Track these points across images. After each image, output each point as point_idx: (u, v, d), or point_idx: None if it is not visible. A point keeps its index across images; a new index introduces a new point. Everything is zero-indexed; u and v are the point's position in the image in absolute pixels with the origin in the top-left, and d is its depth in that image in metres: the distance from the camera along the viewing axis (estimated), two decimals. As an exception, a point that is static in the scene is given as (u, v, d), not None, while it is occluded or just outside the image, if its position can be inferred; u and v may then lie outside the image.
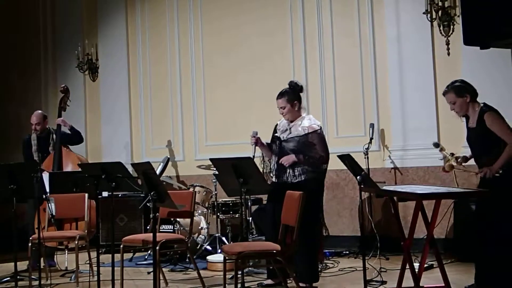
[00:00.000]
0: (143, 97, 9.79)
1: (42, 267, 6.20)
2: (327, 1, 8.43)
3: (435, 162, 7.50)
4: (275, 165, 5.91)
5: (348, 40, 8.32)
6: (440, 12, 6.96)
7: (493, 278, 4.91)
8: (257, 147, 5.94)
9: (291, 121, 5.88)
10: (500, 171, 4.85)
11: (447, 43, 6.97)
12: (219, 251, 7.18)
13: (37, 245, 6.09)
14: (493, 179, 4.88)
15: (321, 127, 5.88)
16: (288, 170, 5.77)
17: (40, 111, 7.61)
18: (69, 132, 7.71)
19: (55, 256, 7.27)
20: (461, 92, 5.02)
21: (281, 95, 5.89)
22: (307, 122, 5.85)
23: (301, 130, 5.80)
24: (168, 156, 9.00)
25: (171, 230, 7.48)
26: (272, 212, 5.81)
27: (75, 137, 7.81)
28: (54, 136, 7.55)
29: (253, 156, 5.73)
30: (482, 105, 5.02)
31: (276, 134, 5.98)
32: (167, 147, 9.48)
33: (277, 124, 6.07)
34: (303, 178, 5.72)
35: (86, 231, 6.59)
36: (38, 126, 7.46)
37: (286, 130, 5.89)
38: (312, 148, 5.76)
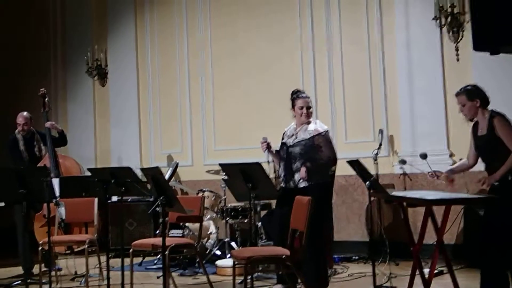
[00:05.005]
0: (152, 102, 9.81)
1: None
2: (336, 6, 8.43)
3: (444, 168, 7.47)
4: (284, 170, 5.92)
5: (357, 45, 8.32)
6: (449, 18, 6.97)
7: (498, 285, 4.87)
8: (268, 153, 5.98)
9: (300, 126, 5.92)
10: (496, 183, 4.82)
11: (456, 49, 6.97)
12: (228, 256, 7.18)
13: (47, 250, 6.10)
14: (502, 186, 4.84)
15: (327, 131, 5.92)
16: (295, 175, 5.78)
17: (26, 112, 7.39)
18: (56, 135, 7.66)
19: (66, 260, 7.30)
20: (472, 96, 5.02)
21: (307, 96, 6.01)
22: (312, 126, 5.91)
23: (306, 133, 5.84)
24: (177, 161, 9.01)
25: (180, 235, 7.47)
26: (279, 216, 5.82)
27: (63, 141, 7.75)
28: (38, 137, 7.47)
29: (268, 162, 5.79)
30: (490, 111, 5.01)
31: (283, 141, 6.00)
32: (175, 153, 9.49)
33: (285, 132, 6.10)
34: (311, 183, 5.73)
35: (95, 235, 6.61)
36: (26, 126, 7.27)
37: (293, 135, 5.93)
38: (319, 150, 5.79)
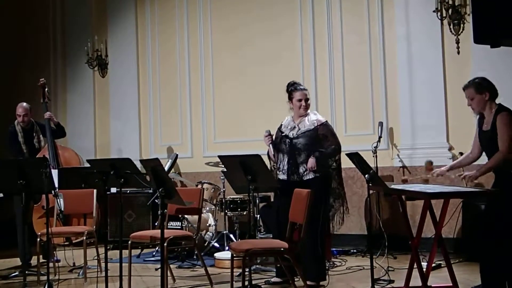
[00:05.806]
0: (152, 93, 9.80)
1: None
2: (337, -1, 8.43)
3: (443, 161, 7.45)
4: (287, 164, 5.86)
5: (357, 38, 8.30)
6: (450, 11, 6.92)
7: (499, 279, 4.85)
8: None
9: (298, 118, 5.89)
10: (475, 181, 4.82)
11: (457, 42, 6.94)
12: (227, 248, 7.17)
13: (45, 241, 6.10)
14: (503, 180, 4.82)
15: (326, 121, 5.91)
16: (300, 168, 5.76)
17: (25, 103, 7.35)
18: (54, 127, 7.63)
19: (64, 252, 7.30)
20: (481, 89, 4.95)
21: (305, 88, 5.94)
22: (313, 116, 5.88)
23: (309, 124, 5.81)
24: (177, 153, 9.01)
25: (179, 227, 7.48)
26: (277, 209, 5.81)
27: (62, 132, 7.74)
28: (37, 128, 7.45)
29: (274, 155, 5.78)
30: (498, 106, 4.95)
31: (283, 134, 5.95)
32: (175, 145, 9.49)
33: (281, 125, 6.05)
34: (315, 175, 5.72)
35: (94, 227, 6.61)
36: (26, 117, 7.25)
37: (295, 127, 5.87)
38: (324, 141, 5.77)
